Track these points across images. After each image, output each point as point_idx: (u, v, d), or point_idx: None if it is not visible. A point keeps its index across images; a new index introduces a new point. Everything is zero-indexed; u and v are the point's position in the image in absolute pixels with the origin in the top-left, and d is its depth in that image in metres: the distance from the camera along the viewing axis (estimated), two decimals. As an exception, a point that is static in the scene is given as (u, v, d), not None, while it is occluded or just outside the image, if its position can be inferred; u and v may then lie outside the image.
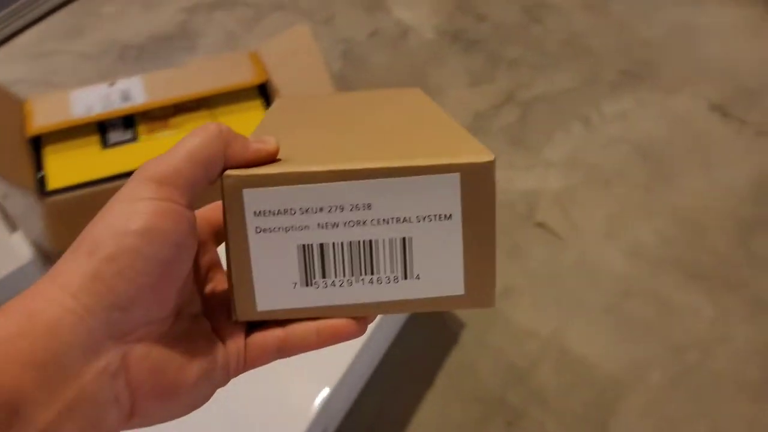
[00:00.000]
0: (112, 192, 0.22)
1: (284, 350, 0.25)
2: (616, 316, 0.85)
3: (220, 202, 0.24)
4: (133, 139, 0.83)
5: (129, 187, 0.22)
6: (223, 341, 0.25)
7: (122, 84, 0.83)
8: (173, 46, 1.09)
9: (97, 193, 0.78)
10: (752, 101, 1.08)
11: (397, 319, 0.79)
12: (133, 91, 0.86)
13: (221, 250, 0.26)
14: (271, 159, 0.24)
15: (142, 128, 0.84)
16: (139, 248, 0.20)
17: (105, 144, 0.81)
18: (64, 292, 0.20)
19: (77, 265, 0.20)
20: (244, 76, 0.80)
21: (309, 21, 1.12)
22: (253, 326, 0.25)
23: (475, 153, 0.24)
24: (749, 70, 1.13)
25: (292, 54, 0.82)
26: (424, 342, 0.80)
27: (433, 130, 0.29)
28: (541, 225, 0.93)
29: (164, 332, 0.22)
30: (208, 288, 0.26)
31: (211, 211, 0.27)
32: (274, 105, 0.38)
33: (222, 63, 0.88)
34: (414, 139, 0.28)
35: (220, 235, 0.27)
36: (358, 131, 0.30)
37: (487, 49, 1.11)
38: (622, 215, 0.94)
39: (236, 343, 0.25)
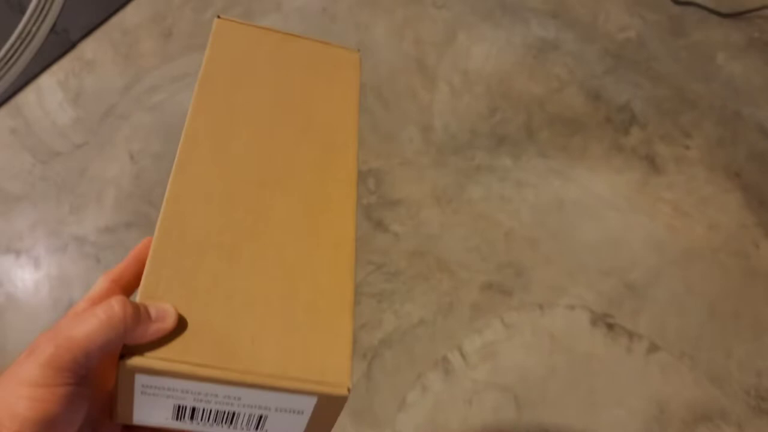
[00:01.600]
0: None
1: None
2: None
3: (125, 264, 0.36)
4: None
5: (29, 365, 0.27)
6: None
7: None
8: None
9: None
10: (639, 302, 1.01)
11: None
12: None
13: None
14: (168, 334, 0.31)
15: None
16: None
17: None
18: None
19: None
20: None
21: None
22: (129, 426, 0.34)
23: (336, 379, 0.32)
24: (630, 258, 1.06)
25: None
26: None
27: (322, 295, 0.36)
28: None
29: None
30: (96, 386, 0.33)
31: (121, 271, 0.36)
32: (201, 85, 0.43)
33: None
34: (296, 323, 0.34)
35: (129, 290, 0.35)
36: (254, 269, 0.36)
37: (323, 277, 0.99)
38: (495, 504, 0.83)
39: None
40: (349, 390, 0.32)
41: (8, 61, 1.19)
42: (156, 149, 1.12)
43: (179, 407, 0.32)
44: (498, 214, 1.10)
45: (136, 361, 0.30)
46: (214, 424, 0.33)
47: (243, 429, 0.34)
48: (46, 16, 1.25)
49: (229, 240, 0.36)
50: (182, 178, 0.38)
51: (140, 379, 0.31)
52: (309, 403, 0.32)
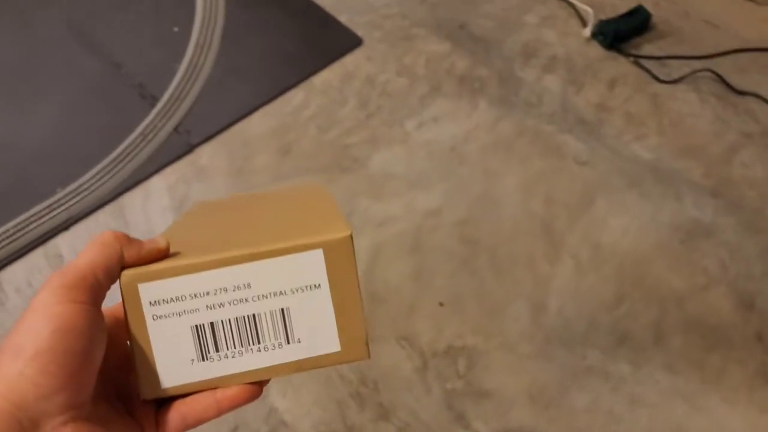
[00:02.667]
0: None
1: (189, 422, 0.33)
2: None
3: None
4: None
5: (41, 296, 0.29)
6: (138, 420, 0.33)
7: None
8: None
9: None
10: None
11: None
12: None
13: None
14: (164, 255, 0.34)
15: None
16: (55, 346, 0.28)
17: None
18: None
19: (2, 369, 0.27)
20: None
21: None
22: (162, 403, 0.34)
23: (335, 230, 0.33)
24: None
25: None
26: None
27: (309, 213, 0.41)
28: None
29: (87, 415, 0.29)
30: (121, 376, 0.34)
31: (118, 309, 0.36)
32: (185, 212, 0.50)
33: None
34: (288, 222, 0.39)
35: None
36: (244, 220, 0.42)
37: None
38: None
39: (148, 421, 0.33)
40: (351, 235, 0.33)
41: (128, 154, 1.22)
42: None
43: (198, 329, 0.33)
44: (604, 426, 0.96)
45: (135, 270, 0.32)
46: (242, 348, 0.33)
47: (272, 339, 0.34)
48: (173, 113, 1.28)
49: (221, 226, 0.42)
50: (178, 223, 0.44)
51: (145, 293, 0.32)
52: (319, 267, 0.33)
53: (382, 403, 0.99)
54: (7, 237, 1.13)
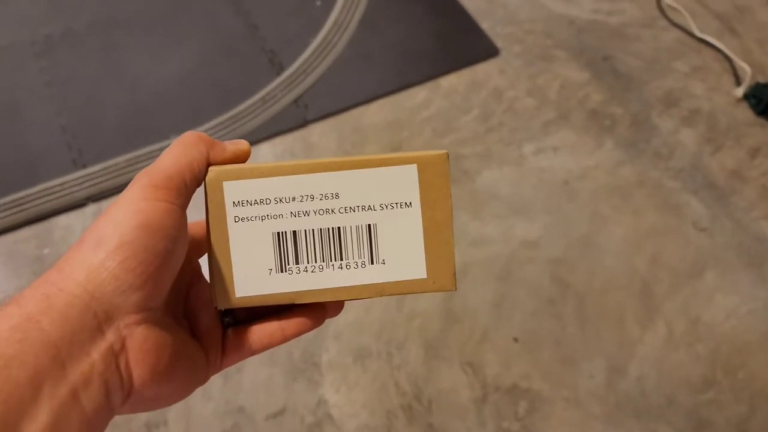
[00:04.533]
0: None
1: (255, 348, 0.33)
2: None
3: (203, 220, 0.32)
4: None
5: (129, 191, 0.29)
6: (202, 342, 0.32)
7: None
8: None
9: None
10: None
11: None
12: None
13: (203, 261, 0.34)
14: (247, 157, 0.33)
15: None
16: (138, 241, 0.27)
17: None
18: (70, 281, 0.26)
19: (83, 257, 0.27)
20: None
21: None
22: (227, 327, 0.34)
23: (431, 151, 0.32)
24: None
25: None
26: None
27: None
28: None
29: (158, 320, 0.29)
30: (191, 294, 0.34)
31: (194, 227, 0.34)
32: None
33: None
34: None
35: (202, 246, 0.34)
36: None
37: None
38: None
39: (214, 343, 0.33)
40: (447, 154, 0.32)
41: (245, 116, 1.25)
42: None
43: (279, 238, 0.32)
44: None
45: (222, 167, 0.32)
46: (323, 263, 0.32)
47: (355, 257, 0.32)
48: (296, 86, 1.30)
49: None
50: None
51: (230, 191, 0.31)
52: (412, 184, 0.32)
53: (432, 424, 0.96)
54: (117, 170, 1.18)
